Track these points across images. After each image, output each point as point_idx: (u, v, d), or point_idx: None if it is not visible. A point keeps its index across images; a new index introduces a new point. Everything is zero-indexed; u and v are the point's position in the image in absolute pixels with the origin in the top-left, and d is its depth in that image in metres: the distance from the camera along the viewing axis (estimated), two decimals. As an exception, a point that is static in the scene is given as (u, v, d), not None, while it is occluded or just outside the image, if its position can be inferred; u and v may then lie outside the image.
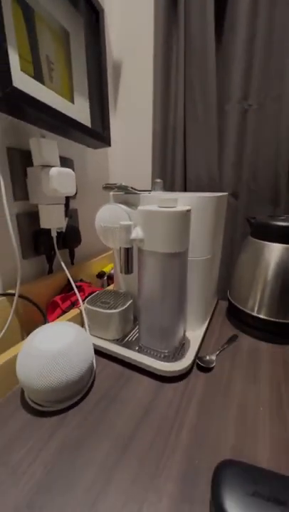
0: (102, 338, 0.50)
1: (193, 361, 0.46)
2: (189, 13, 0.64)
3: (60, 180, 0.50)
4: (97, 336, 0.51)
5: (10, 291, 0.50)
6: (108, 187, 0.49)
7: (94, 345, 0.47)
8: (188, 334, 0.52)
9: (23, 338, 0.51)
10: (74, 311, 0.55)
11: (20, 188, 0.53)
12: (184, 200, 0.45)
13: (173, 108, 0.73)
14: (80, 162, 0.71)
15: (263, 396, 0.41)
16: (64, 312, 0.56)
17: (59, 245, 0.59)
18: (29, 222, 0.55)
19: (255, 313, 0.55)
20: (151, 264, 0.43)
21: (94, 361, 0.44)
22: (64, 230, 0.60)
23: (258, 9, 0.59)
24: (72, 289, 0.57)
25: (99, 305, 0.51)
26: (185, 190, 0.76)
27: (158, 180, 0.58)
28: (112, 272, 0.76)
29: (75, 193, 0.55)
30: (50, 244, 0.57)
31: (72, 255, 0.69)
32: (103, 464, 0.31)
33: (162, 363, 0.44)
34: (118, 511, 0.26)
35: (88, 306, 0.51)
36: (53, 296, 0.60)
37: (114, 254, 0.60)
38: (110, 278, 0.77)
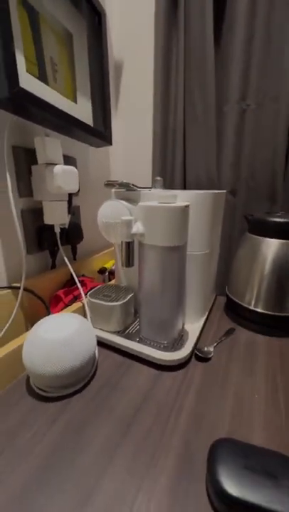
0: (104, 330, 0.52)
1: (192, 351, 0.48)
2: (189, 15, 0.66)
3: (64, 177, 0.52)
4: (99, 328, 0.52)
5: (15, 285, 0.52)
6: (110, 184, 0.51)
7: (96, 336, 0.48)
8: (187, 327, 0.54)
9: (27, 330, 0.53)
10: (76, 305, 0.57)
11: (25, 185, 0.54)
12: (183, 197, 0.46)
13: (173, 110, 0.74)
14: (82, 160, 0.73)
15: (259, 385, 0.42)
16: (67, 306, 0.57)
17: (62, 241, 0.61)
18: (33, 218, 0.57)
19: (252, 307, 0.56)
20: (151, 258, 0.45)
21: (96, 351, 0.46)
22: (67, 227, 0.61)
23: (256, 10, 0.61)
24: (74, 283, 0.59)
25: (101, 298, 0.52)
26: (184, 189, 0.78)
27: (158, 178, 0.59)
28: (114, 267, 0.77)
29: (78, 191, 0.57)
30: (54, 240, 0.59)
31: (74, 251, 0.71)
32: (105, 445, 0.32)
33: (162, 352, 0.46)
34: (119, 487, 0.28)
35: (91, 299, 0.52)
36: (56, 290, 0.61)
37: (115, 250, 0.61)
38: (112, 274, 0.78)
